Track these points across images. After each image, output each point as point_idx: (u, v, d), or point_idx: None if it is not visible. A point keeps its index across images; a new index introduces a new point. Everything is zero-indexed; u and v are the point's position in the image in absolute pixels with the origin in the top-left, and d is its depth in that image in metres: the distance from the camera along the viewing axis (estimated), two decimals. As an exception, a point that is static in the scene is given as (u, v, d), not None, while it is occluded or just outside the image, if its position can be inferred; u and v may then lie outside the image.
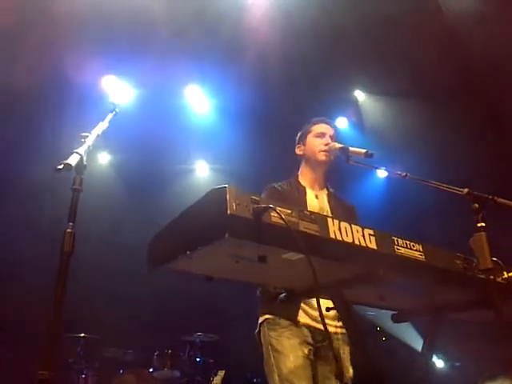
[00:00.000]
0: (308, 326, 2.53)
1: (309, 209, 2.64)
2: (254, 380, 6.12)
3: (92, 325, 5.72)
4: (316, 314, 2.50)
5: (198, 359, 6.09)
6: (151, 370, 5.82)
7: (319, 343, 2.53)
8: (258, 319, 2.65)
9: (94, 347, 5.72)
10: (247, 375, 6.30)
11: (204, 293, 6.06)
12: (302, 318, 2.52)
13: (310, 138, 2.87)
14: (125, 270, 6.04)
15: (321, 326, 2.42)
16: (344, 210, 2.83)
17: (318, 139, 2.83)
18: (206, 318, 6.38)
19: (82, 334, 5.61)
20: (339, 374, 2.44)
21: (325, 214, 2.69)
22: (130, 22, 5.30)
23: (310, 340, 2.52)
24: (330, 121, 2.97)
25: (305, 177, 2.88)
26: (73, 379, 5.48)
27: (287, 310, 2.50)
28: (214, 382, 5.86)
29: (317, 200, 2.80)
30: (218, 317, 6.47)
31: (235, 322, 5.53)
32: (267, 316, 2.58)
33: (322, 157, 2.79)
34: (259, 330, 2.62)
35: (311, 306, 2.53)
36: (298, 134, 2.98)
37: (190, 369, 5.97)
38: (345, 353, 2.55)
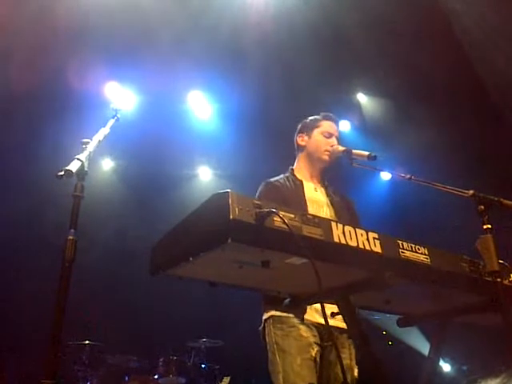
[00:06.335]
0: (315, 325, 2.44)
1: (308, 202, 2.64)
2: (260, 385, 6.08)
3: (97, 332, 5.69)
4: None
5: (203, 365, 6.06)
6: (156, 376, 5.78)
7: (326, 342, 2.44)
8: (262, 315, 2.53)
9: (99, 354, 5.69)
10: (252, 381, 6.27)
11: (209, 298, 6.04)
12: (310, 315, 2.41)
13: (316, 134, 2.84)
14: (129, 277, 6.03)
15: (329, 323, 2.29)
16: (343, 203, 2.80)
17: (325, 138, 2.80)
18: (211, 323, 6.36)
19: (87, 342, 5.58)
20: (343, 374, 2.36)
21: (324, 207, 2.71)
22: (132, 29, 5.32)
23: (317, 340, 2.43)
24: (337, 120, 2.95)
25: (301, 170, 2.85)
26: (78, 387, 5.46)
27: (294, 308, 2.39)
28: (220, 388, 5.83)
29: (316, 192, 2.77)
30: (222, 323, 6.44)
31: (240, 328, 5.50)
32: (273, 313, 2.47)
33: (325, 156, 2.77)
34: (264, 327, 2.51)
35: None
36: (302, 123, 2.93)
37: (195, 375, 5.93)
38: (352, 352, 2.45)
